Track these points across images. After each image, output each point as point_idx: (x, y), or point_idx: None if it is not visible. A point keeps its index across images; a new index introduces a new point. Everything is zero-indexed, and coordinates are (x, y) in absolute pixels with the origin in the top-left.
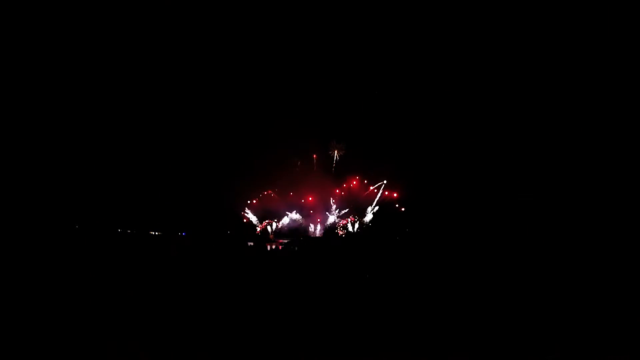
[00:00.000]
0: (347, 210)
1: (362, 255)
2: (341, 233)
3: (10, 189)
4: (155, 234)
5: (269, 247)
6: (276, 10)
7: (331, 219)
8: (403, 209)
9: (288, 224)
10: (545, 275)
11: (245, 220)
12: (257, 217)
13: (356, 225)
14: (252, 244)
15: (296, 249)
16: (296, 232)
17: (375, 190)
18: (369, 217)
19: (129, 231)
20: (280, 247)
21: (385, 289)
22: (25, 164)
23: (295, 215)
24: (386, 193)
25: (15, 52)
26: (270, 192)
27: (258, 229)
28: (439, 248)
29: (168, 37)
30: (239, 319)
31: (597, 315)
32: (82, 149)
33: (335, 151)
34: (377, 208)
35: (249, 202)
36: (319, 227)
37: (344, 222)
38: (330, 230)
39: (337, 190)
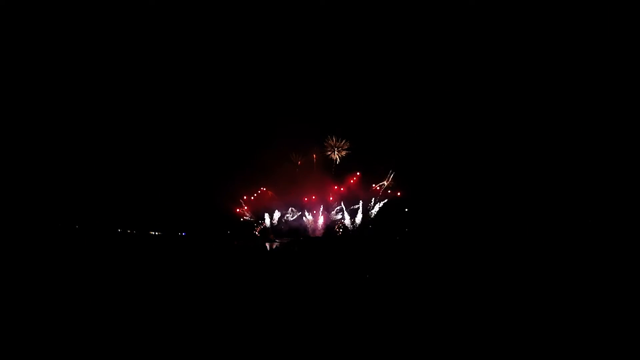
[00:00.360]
0: (346, 209)
1: (362, 255)
2: (339, 233)
3: (10, 189)
4: (155, 234)
5: (268, 247)
6: (278, 11)
7: (331, 218)
8: (405, 209)
9: (287, 223)
10: (544, 274)
11: (243, 219)
12: (256, 217)
13: (356, 224)
14: (251, 244)
15: (296, 249)
16: (296, 231)
17: (378, 188)
18: (368, 216)
19: (129, 231)
20: (279, 247)
21: (385, 289)
22: (25, 164)
23: (295, 215)
24: (389, 191)
25: (19, 54)
26: (269, 192)
27: (257, 229)
28: (438, 248)
29: (168, 38)
30: (239, 319)
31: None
32: (83, 150)
33: (335, 150)
34: (377, 208)
35: (246, 198)
36: (319, 225)
37: (343, 222)
38: (330, 229)
39: (336, 187)
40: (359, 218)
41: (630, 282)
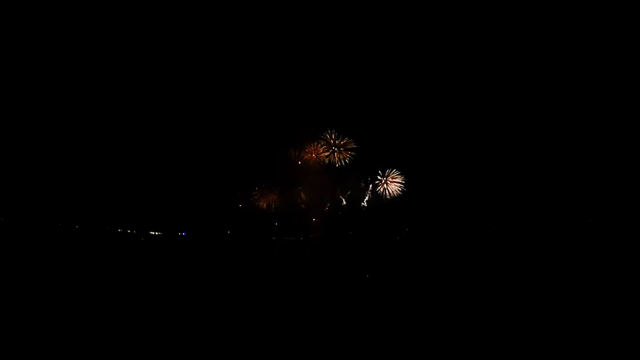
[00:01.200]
0: (346, 208)
1: (362, 255)
2: (339, 232)
3: (10, 189)
4: (155, 234)
5: (268, 247)
6: (279, 8)
7: (330, 217)
8: (404, 209)
9: (287, 222)
10: (543, 274)
11: (242, 219)
12: (255, 216)
13: (357, 223)
14: (251, 244)
15: (296, 249)
16: (296, 231)
17: (381, 189)
18: (368, 215)
19: (129, 231)
20: (279, 247)
21: (385, 289)
22: (25, 164)
23: (294, 214)
24: (389, 191)
25: (17, 53)
26: (268, 191)
27: (256, 229)
28: (438, 248)
29: (167, 36)
30: (239, 319)
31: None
32: (82, 149)
33: (335, 151)
34: (376, 207)
35: (244, 197)
36: (319, 224)
37: (342, 221)
38: (330, 229)
39: (336, 186)
40: (359, 216)
41: (630, 282)
